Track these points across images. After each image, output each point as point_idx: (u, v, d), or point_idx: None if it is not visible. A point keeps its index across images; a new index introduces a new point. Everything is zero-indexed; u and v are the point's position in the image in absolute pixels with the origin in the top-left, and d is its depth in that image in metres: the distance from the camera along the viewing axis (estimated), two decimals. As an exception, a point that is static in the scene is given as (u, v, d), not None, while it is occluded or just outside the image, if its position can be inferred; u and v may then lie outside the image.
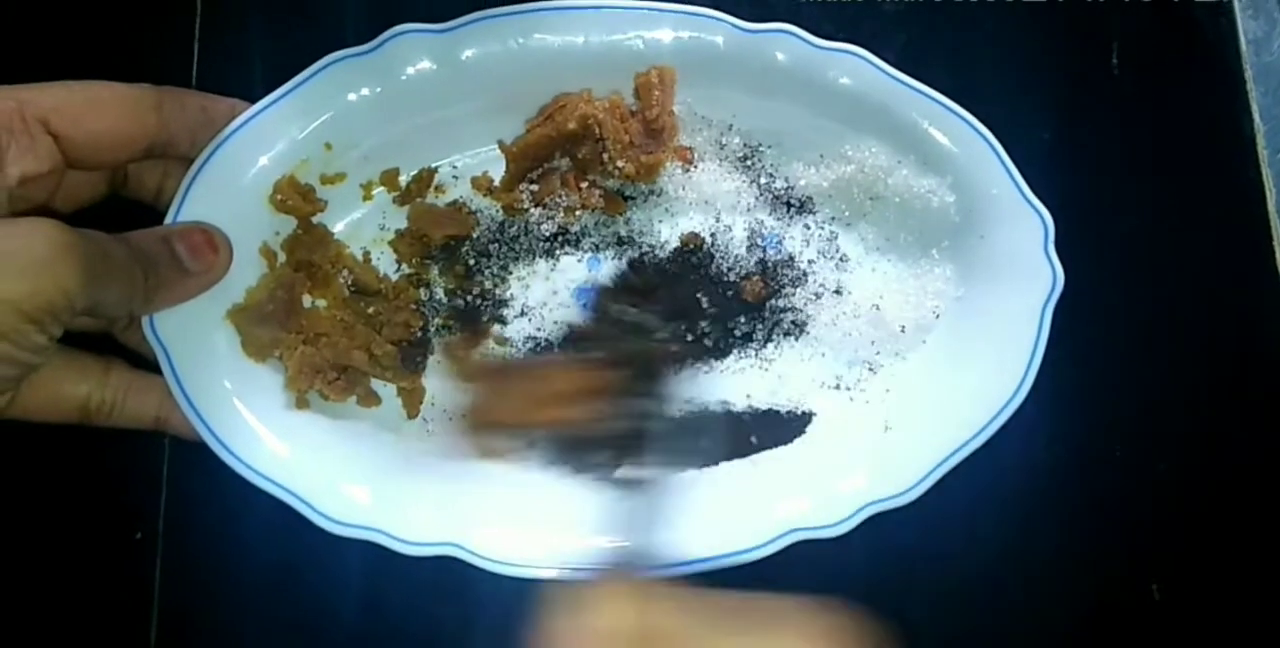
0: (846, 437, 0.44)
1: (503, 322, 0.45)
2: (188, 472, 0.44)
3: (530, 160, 0.44)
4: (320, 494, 0.39)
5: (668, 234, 0.45)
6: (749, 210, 0.46)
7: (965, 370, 0.43)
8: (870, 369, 0.45)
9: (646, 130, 0.44)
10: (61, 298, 0.32)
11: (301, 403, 0.42)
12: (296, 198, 0.42)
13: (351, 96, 0.41)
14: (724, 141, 0.45)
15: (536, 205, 0.45)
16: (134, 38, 0.47)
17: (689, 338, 0.44)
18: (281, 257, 0.43)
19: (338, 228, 0.45)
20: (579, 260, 0.45)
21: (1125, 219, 0.47)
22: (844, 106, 0.43)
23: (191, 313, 0.40)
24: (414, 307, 0.44)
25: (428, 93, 0.42)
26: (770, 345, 0.45)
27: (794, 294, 0.45)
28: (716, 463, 0.43)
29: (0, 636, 0.43)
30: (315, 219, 0.43)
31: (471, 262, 0.45)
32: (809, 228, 0.46)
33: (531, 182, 0.45)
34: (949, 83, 0.42)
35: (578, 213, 0.44)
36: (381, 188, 0.45)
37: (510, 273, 0.45)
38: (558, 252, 0.45)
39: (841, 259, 0.46)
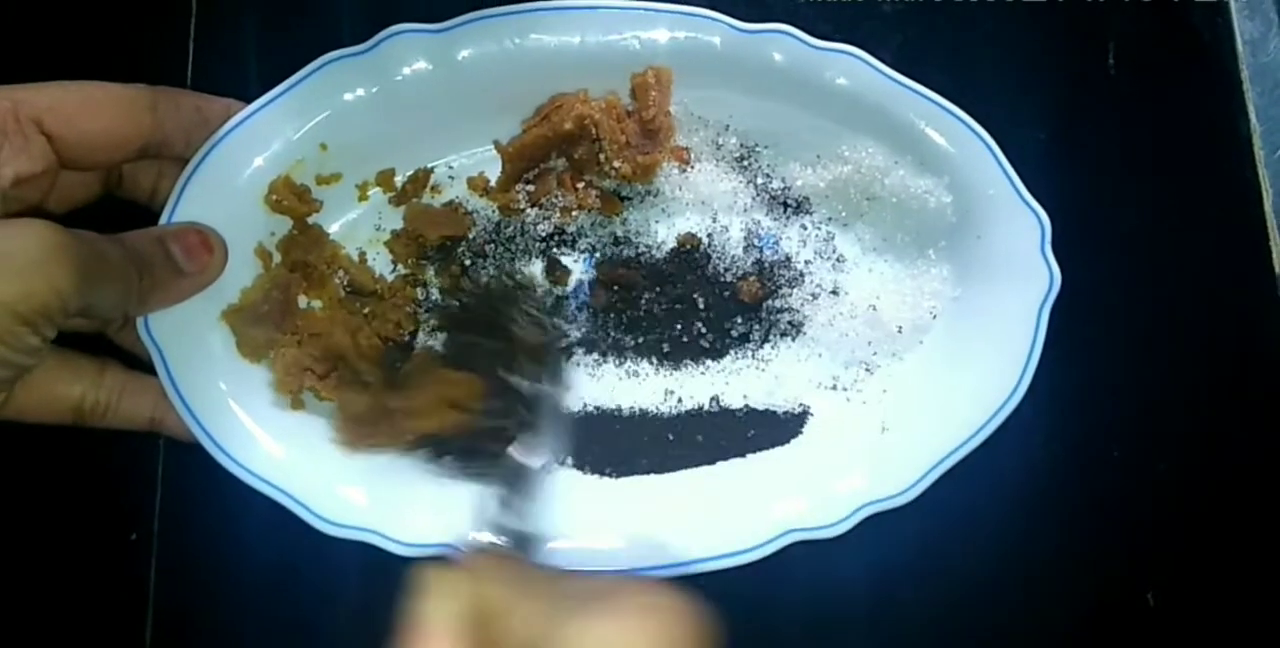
0: (844, 437, 0.43)
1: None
2: (183, 473, 0.44)
3: (526, 161, 0.44)
4: (315, 495, 0.39)
5: (664, 234, 0.45)
6: (745, 211, 0.45)
7: (962, 371, 0.43)
8: (867, 369, 0.45)
9: (643, 131, 0.43)
10: (55, 299, 0.32)
11: (297, 404, 0.41)
12: (292, 198, 0.42)
13: (347, 97, 0.41)
14: (721, 142, 0.45)
15: (533, 206, 0.44)
16: (129, 38, 0.47)
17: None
18: (277, 257, 0.43)
19: (333, 228, 0.44)
20: (575, 261, 0.45)
21: (1122, 219, 0.47)
22: (841, 107, 0.43)
23: (186, 314, 0.40)
24: (409, 309, 0.44)
25: (424, 93, 0.42)
26: (767, 346, 0.45)
27: (791, 295, 0.45)
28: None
29: (-4, 637, 0.43)
30: (311, 219, 0.43)
31: (467, 262, 0.45)
32: (806, 228, 0.46)
33: (528, 182, 0.45)
34: (946, 83, 0.42)
35: (574, 213, 0.44)
36: (377, 188, 0.45)
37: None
38: (554, 252, 0.45)
39: (838, 259, 0.45)
